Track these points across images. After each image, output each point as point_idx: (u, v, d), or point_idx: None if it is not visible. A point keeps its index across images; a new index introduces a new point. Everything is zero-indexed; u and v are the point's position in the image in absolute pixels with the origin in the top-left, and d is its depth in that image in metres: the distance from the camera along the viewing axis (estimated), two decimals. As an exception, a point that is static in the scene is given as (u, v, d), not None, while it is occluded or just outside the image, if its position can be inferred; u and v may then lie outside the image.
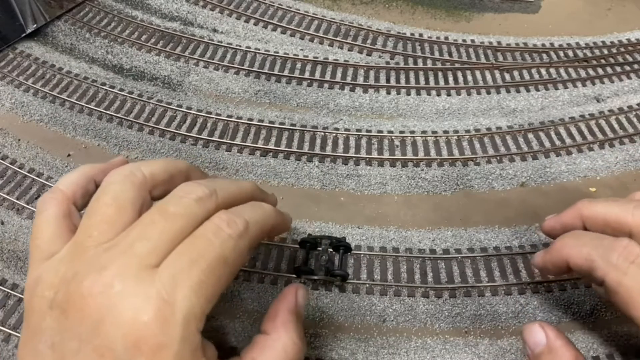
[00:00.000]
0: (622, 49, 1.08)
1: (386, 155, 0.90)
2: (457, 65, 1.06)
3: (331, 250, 0.72)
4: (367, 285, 0.73)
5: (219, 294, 0.40)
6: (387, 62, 1.06)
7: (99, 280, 0.37)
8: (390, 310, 0.71)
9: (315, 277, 0.70)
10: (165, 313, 0.36)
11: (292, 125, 0.94)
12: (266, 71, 1.03)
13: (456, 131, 0.93)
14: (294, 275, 0.72)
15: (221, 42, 1.09)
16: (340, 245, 0.72)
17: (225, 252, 0.41)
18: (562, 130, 0.93)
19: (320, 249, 0.71)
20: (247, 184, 0.52)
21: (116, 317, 0.36)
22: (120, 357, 0.36)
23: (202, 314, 0.39)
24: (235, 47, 1.08)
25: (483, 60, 1.07)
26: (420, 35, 1.12)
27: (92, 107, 0.95)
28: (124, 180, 0.44)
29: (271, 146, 0.90)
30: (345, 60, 1.06)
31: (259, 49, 1.07)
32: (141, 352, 0.36)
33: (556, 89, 1.02)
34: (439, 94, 1.01)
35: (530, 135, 0.93)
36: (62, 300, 0.38)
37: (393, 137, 0.92)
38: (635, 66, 1.05)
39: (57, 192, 0.48)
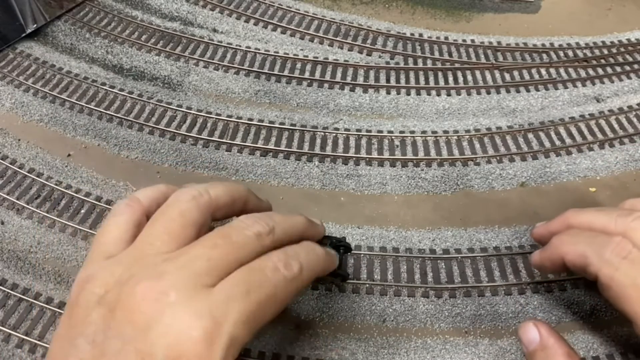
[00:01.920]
0: (622, 49, 1.08)
1: (386, 155, 0.90)
2: (457, 65, 1.06)
3: (331, 250, 0.72)
4: (367, 285, 0.73)
5: (258, 331, 0.42)
6: (387, 62, 1.06)
7: (155, 286, 0.38)
8: (390, 310, 0.71)
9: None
10: (213, 333, 0.37)
11: (292, 125, 0.94)
12: (266, 71, 1.03)
13: (456, 131, 0.93)
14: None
15: (221, 42, 1.09)
16: (340, 245, 0.72)
17: (277, 291, 0.43)
18: (562, 130, 0.93)
19: None
20: (301, 219, 0.53)
21: (165, 326, 0.37)
22: None
23: (242, 343, 0.40)
24: (235, 47, 1.08)
25: (483, 60, 1.07)
26: (420, 35, 1.12)
27: (92, 107, 0.95)
28: (191, 200, 0.46)
29: (271, 146, 0.90)
30: (345, 60, 1.06)
31: (259, 49, 1.07)
32: None
33: (556, 89, 1.02)
34: (439, 94, 1.01)
35: (530, 135, 0.93)
36: (112, 300, 0.39)
37: (393, 137, 0.92)
38: (635, 66, 1.05)
39: (135, 200, 0.49)
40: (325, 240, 0.71)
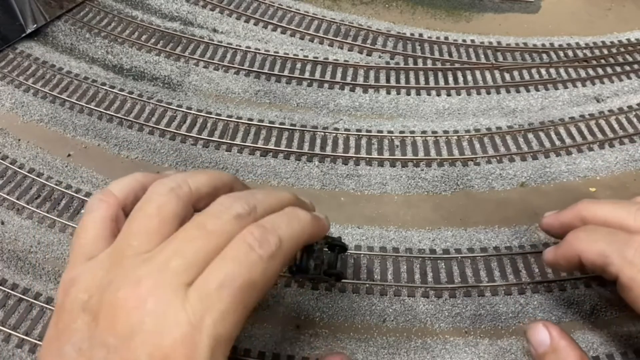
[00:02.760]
0: (622, 49, 1.08)
1: (386, 155, 0.90)
2: (457, 65, 1.06)
3: (326, 249, 0.72)
4: (367, 285, 0.73)
5: (246, 318, 0.40)
6: (387, 62, 1.06)
7: (134, 293, 0.38)
8: (390, 310, 0.71)
9: (309, 276, 0.70)
10: (193, 338, 0.36)
11: (292, 125, 0.94)
12: (266, 71, 1.03)
13: (456, 131, 0.93)
14: (289, 274, 0.72)
15: (221, 42, 1.09)
16: (336, 245, 0.72)
17: (254, 277, 0.40)
18: (562, 130, 0.93)
19: (316, 248, 0.71)
20: (286, 195, 0.49)
21: (145, 335, 0.36)
22: None
23: (228, 339, 0.39)
24: (235, 47, 1.08)
25: (483, 60, 1.07)
26: (420, 35, 1.12)
27: (92, 107, 0.96)
28: (170, 192, 0.44)
29: (271, 146, 0.90)
30: (345, 60, 1.06)
31: (259, 49, 1.07)
32: None
33: (556, 89, 1.02)
34: (439, 94, 1.01)
35: (530, 135, 0.93)
36: (95, 306, 0.38)
37: (393, 137, 0.92)
38: (635, 66, 1.05)
39: (109, 194, 0.47)
40: (320, 240, 0.71)
